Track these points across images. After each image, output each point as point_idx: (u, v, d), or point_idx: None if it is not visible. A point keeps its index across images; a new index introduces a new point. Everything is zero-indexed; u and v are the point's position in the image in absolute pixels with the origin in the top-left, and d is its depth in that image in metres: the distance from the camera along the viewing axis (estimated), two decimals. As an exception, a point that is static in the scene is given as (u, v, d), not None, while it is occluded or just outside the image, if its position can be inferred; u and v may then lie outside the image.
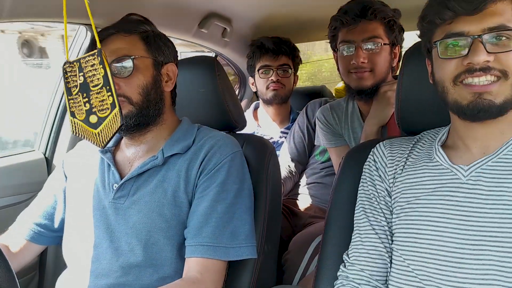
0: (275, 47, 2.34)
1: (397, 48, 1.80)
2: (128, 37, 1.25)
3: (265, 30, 2.54)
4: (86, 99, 1.08)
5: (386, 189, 1.11)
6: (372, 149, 1.18)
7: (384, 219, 1.09)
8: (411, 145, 1.14)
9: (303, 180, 2.20)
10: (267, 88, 2.34)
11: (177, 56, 1.38)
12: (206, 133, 1.33)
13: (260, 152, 1.45)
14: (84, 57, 1.07)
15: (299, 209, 2.10)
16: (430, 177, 1.04)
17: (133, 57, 1.22)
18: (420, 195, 1.03)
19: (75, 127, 1.12)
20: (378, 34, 1.71)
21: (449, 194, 0.99)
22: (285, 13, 2.42)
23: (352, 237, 1.13)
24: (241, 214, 1.24)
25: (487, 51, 0.92)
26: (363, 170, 1.18)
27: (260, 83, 2.37)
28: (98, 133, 1.08)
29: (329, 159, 2.10)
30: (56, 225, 1.36)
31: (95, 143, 1.11)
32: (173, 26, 2.06)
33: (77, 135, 1.12)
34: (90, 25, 1.61)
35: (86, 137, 1.11)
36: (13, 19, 1.35)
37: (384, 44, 1.72)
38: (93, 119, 1.07)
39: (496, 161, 0.98)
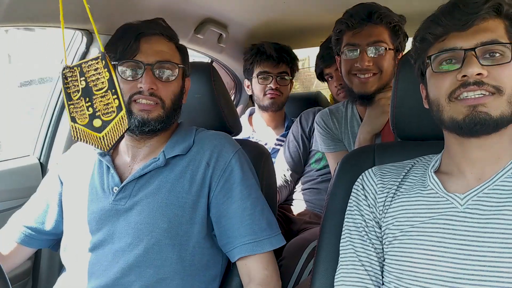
0: (277, 54, 2.32)
1: (400, 54, 1.77)
2: (168, 43, 1.29)
3: (261, 36, 2.54)
4: (89, 103, 1.08)
5: (375, 219, 1.08)
6: (361, 176, 1.15)
7: (373, 249, 1.06)
8: (404, 172, 1.10)
9: (299, 186, 2.20)
10: (265, 94, 2.34)
11: None
12: (205, 133, 1.36)
13: (255, 157, 1.45)
14: (86, 62, 1.08)
15: (294, 215, 2.10)
16: (425, 205, 1.01)
17: (180, 65, 1.29)
18: (415, 223, 1.00)
19: (77, 132, 1.12)
20: (383, 38, 1.70)
21: (446, 223, 0.96)
22: (281, 20, 2.42)
23: (337, 269, 1.10)
24: (266, 205, 1.30)
25: (480, 64, 0.92)
26: (351, 196, 1.15)
27: (257, 88, 2.36)
28: (102, 136, 1.08)
29: (324, 167, 2.10)
30: (47, 228, 1.35)
31: (99, 147, 1.12)
32: (169, 31, 2.05)
33: (78, 140, 1.12)
34: (86, 30, 1.62)
35: (89, 142, 1.12)
36: (9, 24, 1.35)
37: (389, 49, 1.70)
38: (97, 123, 1.08)
39: (492, 188, 0.95)
